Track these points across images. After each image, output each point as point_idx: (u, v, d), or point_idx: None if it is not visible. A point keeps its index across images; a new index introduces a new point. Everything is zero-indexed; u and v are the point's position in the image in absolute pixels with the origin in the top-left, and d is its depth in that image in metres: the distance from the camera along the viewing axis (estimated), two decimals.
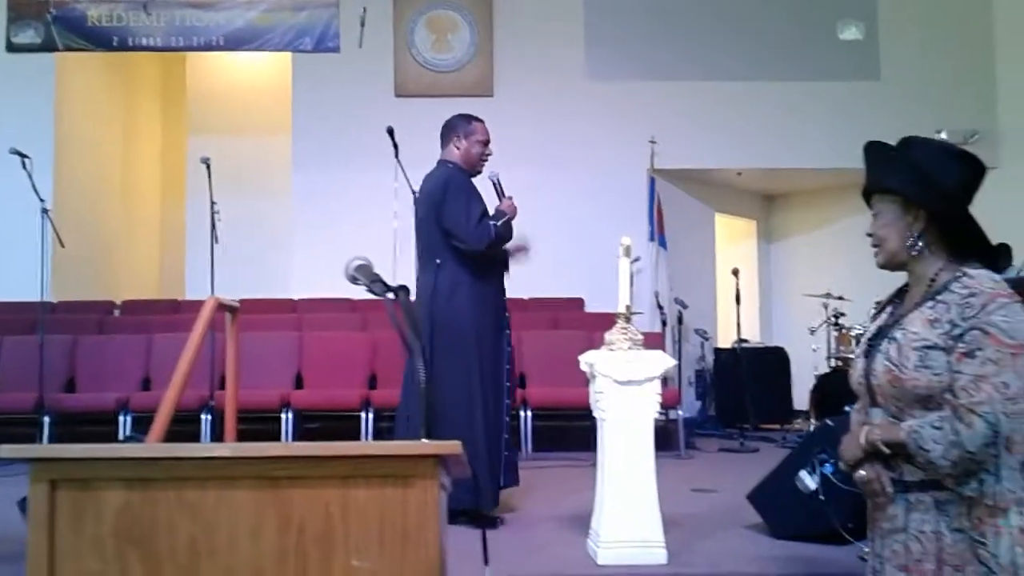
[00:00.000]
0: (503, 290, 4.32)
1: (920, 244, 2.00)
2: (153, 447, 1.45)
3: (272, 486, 1.30)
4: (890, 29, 8.89)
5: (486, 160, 4.31)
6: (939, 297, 1.94)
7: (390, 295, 1.64)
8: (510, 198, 4.24)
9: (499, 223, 4.09)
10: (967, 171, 2.03)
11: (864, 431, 1.98)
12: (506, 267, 4.34)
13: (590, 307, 8.27)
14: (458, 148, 4.26)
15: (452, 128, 4.32)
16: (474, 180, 4.28)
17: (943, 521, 1.88)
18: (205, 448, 1.29)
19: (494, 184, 4.28)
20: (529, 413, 6.24)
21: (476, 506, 3.85)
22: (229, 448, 1.29)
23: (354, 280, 1.78)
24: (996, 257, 2.07)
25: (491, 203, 4.27)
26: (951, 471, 1.84)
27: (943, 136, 8.58)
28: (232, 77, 10.19)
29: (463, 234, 4.03)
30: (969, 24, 8.89)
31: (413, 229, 4.34)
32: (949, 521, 1.88)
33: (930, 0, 8.90)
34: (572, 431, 6.22)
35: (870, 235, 2.06)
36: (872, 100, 8.71)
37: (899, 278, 2.13)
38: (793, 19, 8.88)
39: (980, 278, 1.92)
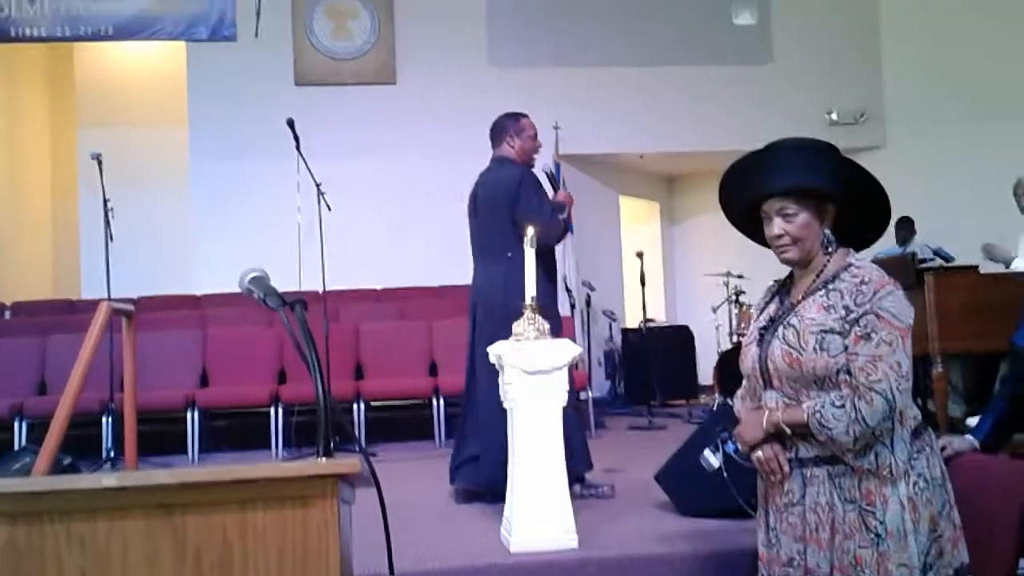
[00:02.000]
0: (556, 274, 4.53)
1: (833, 240, 2.11)
2: (37, 481, 1.39)
3: (166, 514, 1.27)
4: (781, 14, 9.15)
5: (538, 152, 4.51)
6: (830, 286, 2.06)
7: (286, 308, 1.62)
8: (564, 190, 4.48)
9: (564, 215, 4.29)
10: (847, 159, 2.14)
11: (766, 414, 2.10)
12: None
13: None
14: (511, 146, 4.42)
15: (503, 128, 4.48)
16: None
17: (836, 493, 2.03)
18: (92, 479, 1.25)
19: (549, 176, 4.51)
20: (442, 401, 6.24)
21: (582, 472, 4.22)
22: (116, 478, 1.26)
23: (249, 292, 1.76)
24: (869, 238, 2.21)
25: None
26: (852, 446, 1.97)
27: (834, 116, 8.93)
28: (123, 67, 9.80)
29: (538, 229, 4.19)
30: (856, 9, 9.22)
31: (468, 226, 4.51)
32: (841, 493, 2.02)
33: None
34: None
35: (779, 236, 2.10)
36: (766, 83, 8.98)
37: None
38: (689, 5, 9.04)
39: (867, 268, 2.06)
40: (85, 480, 1.25)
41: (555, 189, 4.46)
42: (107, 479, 1.25)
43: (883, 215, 2.15)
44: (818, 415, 1.98)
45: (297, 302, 1.60)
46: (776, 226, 2.11)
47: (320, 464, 1.31)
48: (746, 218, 2.24)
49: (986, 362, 5.42)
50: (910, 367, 1.98)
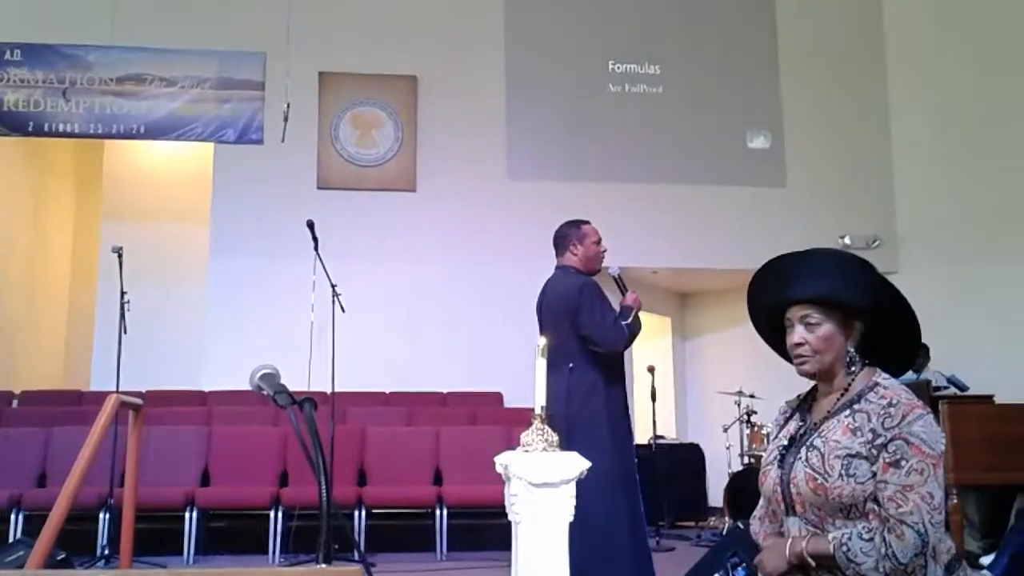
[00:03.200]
0: (625, 382, 4.44)
1: (858, 359, 2.03)
2: (33, 574, 1.36)
3: None
4: (795, 139, 9.35)
5: (603, 257, 4.48)
6: (856, 406, 1.97)
7: (295, 406, 1.61)
8: (632, 292, 4.39)
9: (628, 320, 4.23)
10: (881, 276, 2.09)
11: (789, 543, 1.98)
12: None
13: (509, 402, 8.25)
14: (575, 254, 4.40)
15: (565, 237, 4.46)
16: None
17: None
18: (89, 575, 1.22)
19: (616, 280, 4.48)
20: (445, 511, 6.11)
21: None
22: (114, 575, 1.23)
23: (259, 389, 1.76)
24: (906, 361, 2.12)
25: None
26: None
27: (847, 241, 9.01)
28: (149, 164, 10.04)
29: (600, 339, 4.14)
30: (869, 136, 9.41)
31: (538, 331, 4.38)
32: None
33: (833, 113, 9.39)
34: (489, 529, 6.10)
35: (799, 344, 2.02)
36: (779, 205, 9.10)
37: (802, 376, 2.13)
38: (705, 127, 9.27)
39: (894, 388, 1.97)
40: None
41: (622, 292, 4.39)
42: None
43: (911, 342, 2.06)
44: (845, 548, 1.86)
45: (306, 400, 1.60)
46: (797, 334, 2.02)
47: (319, 570, 1.28)
48: (770, 324, 2.16)
49: (1001, 495, 5.30)
50: (943, 498, 1.87)
